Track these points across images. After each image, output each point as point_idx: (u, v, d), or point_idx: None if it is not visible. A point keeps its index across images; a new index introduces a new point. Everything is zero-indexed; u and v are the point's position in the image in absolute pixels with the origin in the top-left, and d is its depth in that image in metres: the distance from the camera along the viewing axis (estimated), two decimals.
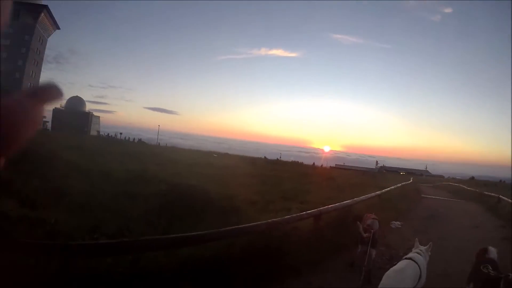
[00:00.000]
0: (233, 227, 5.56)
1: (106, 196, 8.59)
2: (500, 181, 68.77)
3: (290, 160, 62.01)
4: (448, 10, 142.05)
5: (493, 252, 5.40)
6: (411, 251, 5.54)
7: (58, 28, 79.49)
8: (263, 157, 63.78)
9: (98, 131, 79.33)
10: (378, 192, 15.02)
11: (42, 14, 71.03)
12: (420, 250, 5.48)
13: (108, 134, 77.32)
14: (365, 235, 6.60)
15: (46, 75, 79.55)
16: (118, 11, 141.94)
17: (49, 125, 68.65)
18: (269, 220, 6.49)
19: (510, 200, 18.23)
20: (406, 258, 5.07)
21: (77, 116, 72.68)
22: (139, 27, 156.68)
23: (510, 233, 12.04)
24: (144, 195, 9.25)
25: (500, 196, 20.67)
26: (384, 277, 4.65)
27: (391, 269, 4.83)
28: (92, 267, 3.91)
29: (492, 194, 23.50)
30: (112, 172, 12.81)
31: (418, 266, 4.91)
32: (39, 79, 73.47)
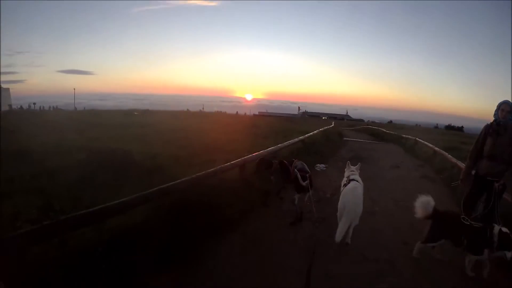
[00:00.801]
0: (156, 188, 5.49)
1: (24, 177, 8.07)
2: (416, 125, 73.66)
3: (214, 111, 61.97)
4: None
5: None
6: (342, 184, 6.39)
7: None
8: (185, 109, 63.35)
9: (10, 105, 73.73)
10: (301, 137, 15.35)
11: None
12: (353, 170, 6.58)
13: (21, 106, 72.64)
14: (304, 183, 6.68)
15: None
16: None
17: None
18: (193, 176, 6.50)
19: (426, 142, 19.44)
20: (351, 180, 6.08)
21: None
22: None
23: (427, 172, 13.01)
24: (64, 168, 8.80)
25: (417, 138, 22.49)
26: (342, 196, 5.86)
27: (345, 189, 5.92)
28: (18, 259, 3.69)
29: (410, 136, 25.34)
30: (28, 148, 12.00)
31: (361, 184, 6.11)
32: None
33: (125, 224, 5.01)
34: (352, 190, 5.79)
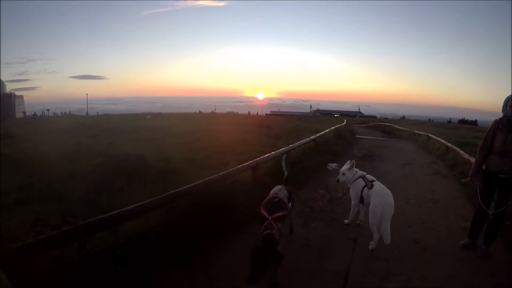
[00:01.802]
0: (171, 192, 5.59)
1: (42, 183, 8.23)
2: (429, 120, 72.78)
3: (226, 112, 62.17)
4: None
5: None
6: (362, 186, 6.22)
7: None
8: (198, 111, 63.62)
9: (24, 112, 74.69)
10: (313, 137, 15.33)
11: None
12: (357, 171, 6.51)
13: (35, 113, 73.51)
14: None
15: None
16: None
17: None
18: (206, 179, 6.56)
19: (438, 138, 19.28)
20: (371, 181, 6.07)
21: None
22: None
23: (440, 168, 12.93)
24: (81, 173, 8.97)
25: (429, 134, 22.05)
26: (376, 197, 5.71)
27: (376, 191, 5.83)
28: (39, 264, 3.84)
29: (422, 132, 24.86)
30: (44, 155, 12.20)
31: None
32: None
33: (141, 227, 5.14)
34: (384, 190, 5.83)
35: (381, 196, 5.70)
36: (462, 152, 13.23)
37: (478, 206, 5.82)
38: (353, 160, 6.52)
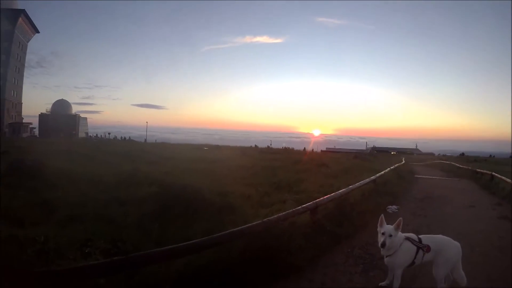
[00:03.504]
0: (229, 231, 5.36)
1: (97, 204, 8.36)
2: (490, 156, 69.20)
3: (282, 147, 62.20)
4: None
5: None
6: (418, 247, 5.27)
7: (37, 31, 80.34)
8: (253, 145, 64.16)
9: (87, 133, 79.71)
10: (372, 177, 14.77)
11: (20, 19, 70.84)
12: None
13: (97, 135, 77.33)
14: None
15: (30, 81, 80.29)
16: (98, 9, 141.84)
17: (36, 131, 68.78)
18: (265, 219, 6.25)
19: (503, 177, 18.02)
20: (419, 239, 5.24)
21: (64, 119, 72.90)
22: (122, 24, 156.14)
23: (506, 211, 11.96)
24: (136, 200, 9.03)
25: (493, 173, 20.38)
26: (448, 245, 5.17)
27: (442, 242, 5.24)
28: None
29: (485, 171, 23.14)
30: (102, 176, 12.55)
31: None
32: (22, 86, 74.96)
33: (194, 263, 4.94)
34: (447, 238, 5.31)
35: (454, 244, 5.15)
36: None
37: None
38: (400, 218, 5.21)
